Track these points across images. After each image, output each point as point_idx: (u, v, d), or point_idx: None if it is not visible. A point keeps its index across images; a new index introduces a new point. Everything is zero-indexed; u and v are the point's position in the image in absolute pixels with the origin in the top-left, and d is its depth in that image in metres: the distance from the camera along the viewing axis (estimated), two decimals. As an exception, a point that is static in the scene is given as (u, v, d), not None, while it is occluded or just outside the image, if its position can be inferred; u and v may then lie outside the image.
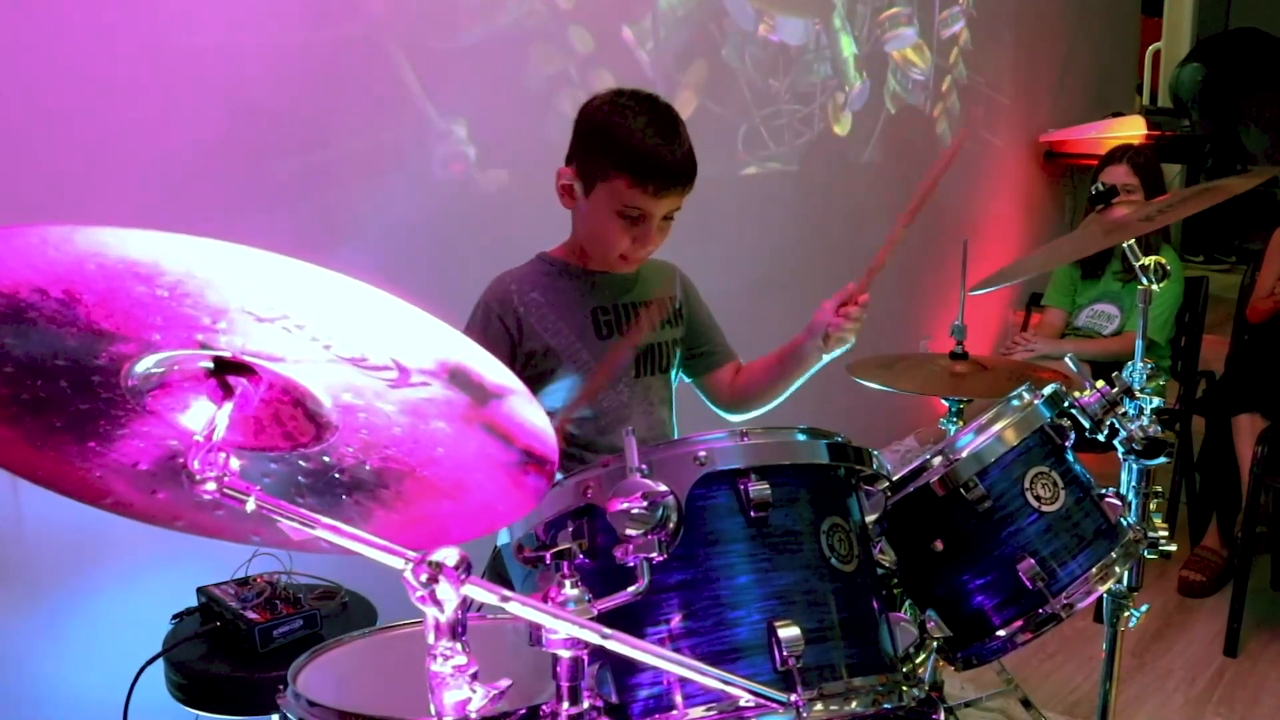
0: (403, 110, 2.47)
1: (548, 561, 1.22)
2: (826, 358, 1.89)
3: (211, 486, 0.88)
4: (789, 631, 1.16)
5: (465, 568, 0.90)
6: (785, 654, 1.15)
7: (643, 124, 1.78)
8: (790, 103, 3.53)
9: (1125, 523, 1.56)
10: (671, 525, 1.10)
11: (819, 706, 1.15)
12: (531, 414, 0.99)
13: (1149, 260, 1.84)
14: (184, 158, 2.10)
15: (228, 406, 0.93)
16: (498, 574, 1.96)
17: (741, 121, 3.39)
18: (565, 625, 1.00)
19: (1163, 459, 1.70)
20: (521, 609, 0.97)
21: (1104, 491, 1.56)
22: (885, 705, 1.21)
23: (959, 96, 4.30)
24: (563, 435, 1.89)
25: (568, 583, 1.05)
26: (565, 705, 1.07)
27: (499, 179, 2.66)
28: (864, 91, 3.81)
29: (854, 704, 1.18)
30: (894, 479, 1.46)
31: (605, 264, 1.91)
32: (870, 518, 1.35)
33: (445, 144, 2.55)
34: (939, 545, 1.48)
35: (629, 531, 1.10)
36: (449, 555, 0.90)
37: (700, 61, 3.21)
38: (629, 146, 1.77)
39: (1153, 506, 1.75)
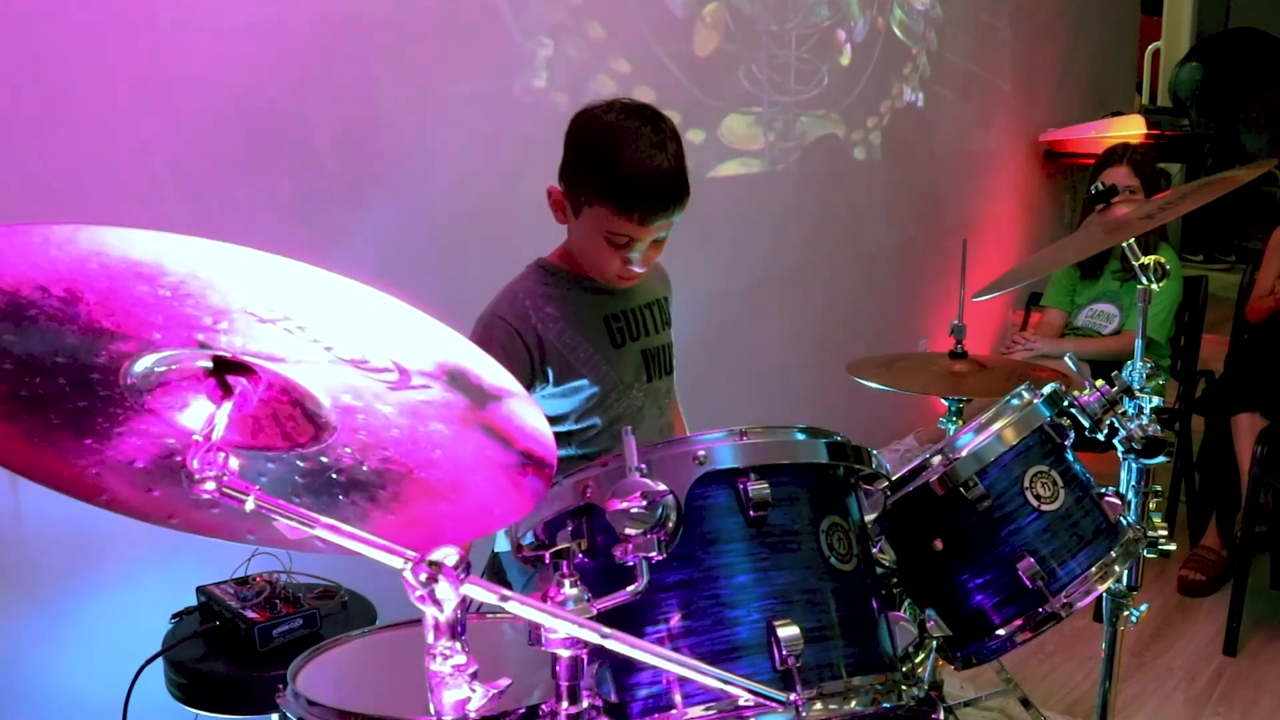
0: (402, 112, 2.47)
1: (547, 561, 1.22)
2: None
3: (211, 486, 0.87)
4: (788, 631, 1.16)
5: (464, 567, 0.90)
6: (784, 653, 1.15)
7: (631, 147, 1.71)
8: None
9: (1125, 522, 1.56)
10: (671, 524, 1.11)
11: (818, 706, 1.15)
12: (531, 416, 0.99)
13: (1148, 259, 1.84)
14: (188, 157, 2.10)
15: (227, 406, 0.92)
16: (497, 578, 1.96)
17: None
18: (565, 624, 1.00)
19: (1162, 458, 1.70)
20: (521, 608, 0.97)
21: (1103, 491, 1.56)
22: (884, 704, 1.21)
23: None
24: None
25: (567, 582, 1.05)
26: (565, 705, 1.07)
27: (503, 180, 2.66)
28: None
29: (853, 703, 1.18)
30: (893, 478, 1.46)
31: (604, 280, 1.88)
32: (869, 517, 1.35)
33: (447, 143, 2.55)
34: (938, 544, 1.48)
35: (628, 531, 1.10)
36: (448, 555, 0.90)
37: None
38: (613, 175, 1.72)
39: (1152, 506, 1.75)
